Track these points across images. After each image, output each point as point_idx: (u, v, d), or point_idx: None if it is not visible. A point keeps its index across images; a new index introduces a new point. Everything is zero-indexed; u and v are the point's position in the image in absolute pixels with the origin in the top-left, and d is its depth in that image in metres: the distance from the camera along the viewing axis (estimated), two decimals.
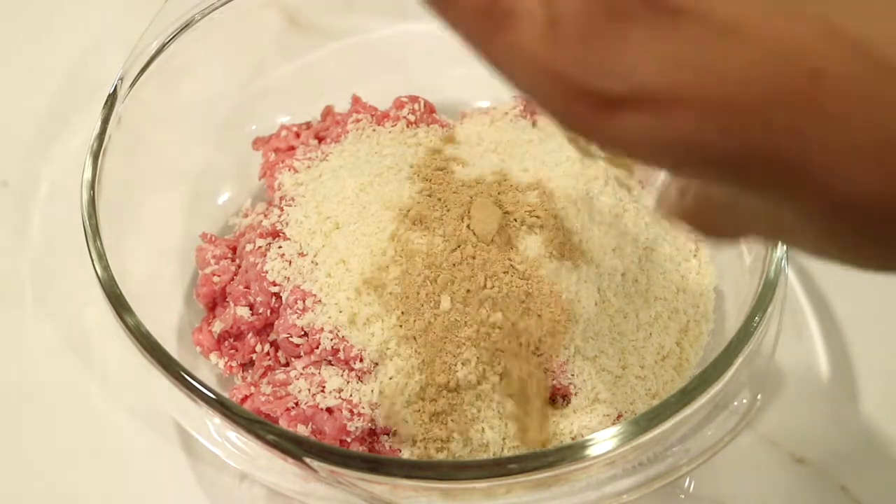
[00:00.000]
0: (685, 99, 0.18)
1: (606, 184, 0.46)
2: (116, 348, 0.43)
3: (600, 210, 0.45)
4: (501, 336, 0.40)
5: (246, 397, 0.41)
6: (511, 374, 0.40)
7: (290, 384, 0.41)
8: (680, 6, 0.18)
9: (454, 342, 0.40)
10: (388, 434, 0.40)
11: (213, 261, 0.46)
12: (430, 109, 0.51)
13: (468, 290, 0.40)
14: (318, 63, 0.57)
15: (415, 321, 0.40)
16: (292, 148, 0.50)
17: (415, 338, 0.40)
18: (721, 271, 0.48)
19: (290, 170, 0.47)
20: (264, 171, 0.50)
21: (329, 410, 0.40)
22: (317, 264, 0.43)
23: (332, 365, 0.41)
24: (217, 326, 0.44)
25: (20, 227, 0.53)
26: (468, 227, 0.42)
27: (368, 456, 0.38)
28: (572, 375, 0.41)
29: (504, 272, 0.41)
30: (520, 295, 0.41)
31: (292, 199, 0.46)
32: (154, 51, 0.47)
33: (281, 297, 0.43)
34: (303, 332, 0.41)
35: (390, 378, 0.40)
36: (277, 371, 0.42)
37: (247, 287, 0.44)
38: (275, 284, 0.43)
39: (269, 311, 0.43)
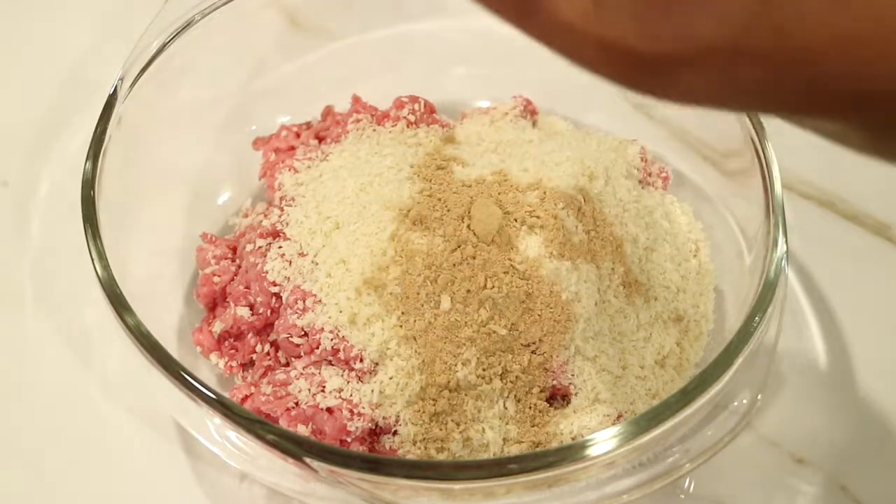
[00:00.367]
0: (748, 52, 0.19)
1: (606, 184, 0.46)
2: (116, 348, 0.43)
3: (600, 210, 0.45)
4: (501, 336, 0.40)
5: (246, 397, 0.41)
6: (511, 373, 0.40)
7: (291, 384, 0.41)
8: None
9: (454, 342, 0.40)
10: (388, 434, 0.40)
11: (213, 261, 0.46)
12: (430, 109, 0.51)
13: (468, 291, 0.40)
14: (318, 63, 0.57)
15: (415, 321, 0.40)
16: (292, 148, 0.50)
17: (415, 338, 0.40)
18: (721, 271, 0.48)
19: (290, 170, 0.47)
20: (264, 171, 0.50)
21: (329, 410, 0.40)
22: (317, 264, 0.43)
23: (333, 365, 0.41)
24: (217, 326, 0.44)
25: (20, 227, 0.53)
26: (468, 227, 0.42)
27: (368, 456, 0.38)
28: (572, 375, 0.41)
29: (504, 272, 0.41)
30: (520, 295, 0.41)
31: (292, 199, 0.46)
32: (154, 51, 0.47)
33: (281, 297, 0.43)
34: (303, 332, 0.41)
35: (390, 378, 0.40)
36: (277, 371, 0.42)
37: (247, 287, 0.44)
38: (275, 284, 0.43)
39: (269, 311, 0.43)
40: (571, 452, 0.34)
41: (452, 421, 0.39)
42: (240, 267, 0.46)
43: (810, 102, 0.20)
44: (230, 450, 0.37)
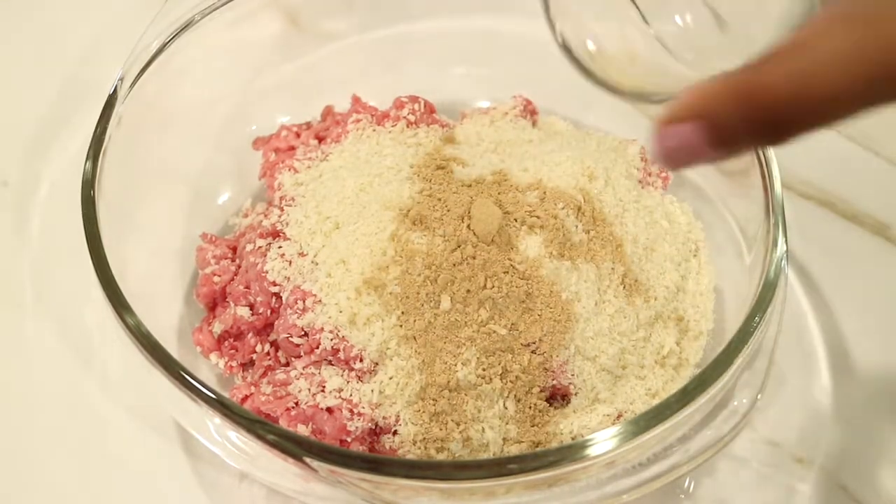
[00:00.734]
0: None
1: (606, 184, 0.46)
2: (116, 348, 0.43)
3: (600, 210, 0.45)
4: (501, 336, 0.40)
5: (246, 397, 0.41)
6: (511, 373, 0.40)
7: (291, 384, 0.41)
8: None
9: (454, 342, 0.40)
10: (388, 434, 0.40)
11: (213, 261, 0.46)
12: (430, 109, 0.51)
13: (468, 290, 0.40)
14: (318, 63, 0.57)
15: (415, 321, 0.40)
16: (292, 148, 0.50)
17: (415, 338, 0.40)
18: (721, 271, 0.48)
19: (290, 170, 0.47)
20: (264, 171, 0.50)
21: (329, 410, 0.40)
22: (317, 264, 0.43)
23: (333, 365, 0.41)
24: (217, 326, 0.44)
25: (20, 227, 0.53)
26: (468, 227, 0.42)
27: (368, 456, 0.38)
28: (572, 375, 0.41)
29: (504, 272, 0.41)
30: (520, 295, 0.41)
31: (292, 199, 0.46)
32: (154, 51, 0.47)
33: (281, 297, 0.43)
34: (303, 332, 0.41)
35: (390, 378, 0.40)
36: (277, 371, 0.42)
37: (247, 287, 0.44)
38: (275, 284, 0.43)
39: (269, 311, 0.43)
40: (571, 452, 0.34)
41: (452, 421, 0.39)
42: (240, 267, 0.46)
43: None
44: (230, 450, 0.37)
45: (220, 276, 0.45)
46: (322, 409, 0.39)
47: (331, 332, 0.40)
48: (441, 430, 0.39)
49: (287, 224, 0.45)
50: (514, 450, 0.40)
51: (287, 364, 0.43)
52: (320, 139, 0.51)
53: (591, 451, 0.34)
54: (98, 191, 0.41)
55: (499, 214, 0.42)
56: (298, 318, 0.41)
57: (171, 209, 0.50)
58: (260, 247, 0.45)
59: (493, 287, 0.41)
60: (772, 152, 0.43)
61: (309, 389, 0.40)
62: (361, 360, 0.40)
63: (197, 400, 0.35)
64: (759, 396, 0.39)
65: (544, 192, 0.44)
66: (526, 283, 0.41)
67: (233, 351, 0.44)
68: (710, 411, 0.38)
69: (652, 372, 0.43)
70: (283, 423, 0.39)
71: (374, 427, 0.40)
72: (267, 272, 0.43)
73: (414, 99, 0.51)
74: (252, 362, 0.44)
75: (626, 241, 0.45)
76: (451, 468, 0.36)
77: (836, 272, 0.52)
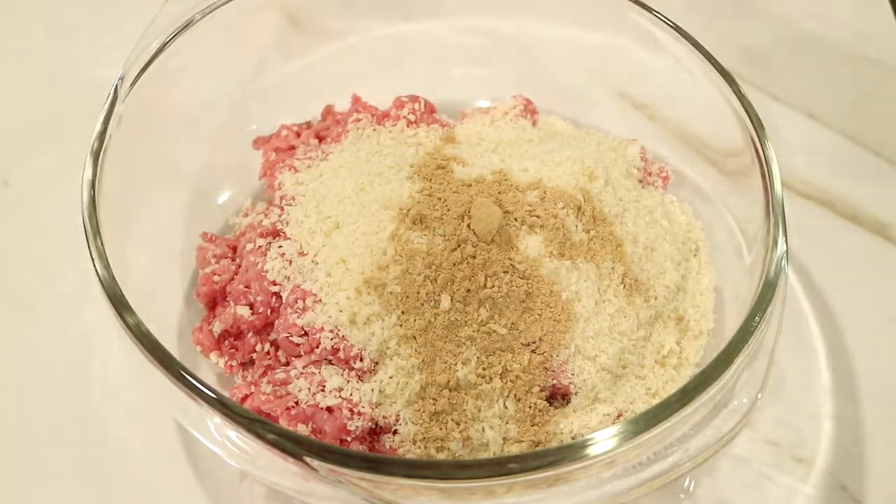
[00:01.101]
0: None
1: (606, 183, 0.46)
2: (116, 348, 0.43)
3: (600, 210, 0.45)
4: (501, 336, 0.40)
5: (246, 396, 0.41)
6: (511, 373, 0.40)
7: (290, 383, 0.41)
8: None
9: (454, 342, 0.40)
10: (388, 433, 0.40)
11: (213, 260, 0.46)
12: (430, 109, 0.52)
13: (468, 290, 0.40)
14: (318, 63, 0.57)
15: (415, 321, 0.40)
16: (292, 147, 0.51)
17: (415, 337, 0.40)
18: (721, 271, 0.48)
19: (290, 169, 0.47)
20: (264, 171, 0.50)
21: (329, 410, 0.39)
22: (317, 264, 0.43)
23: (332, 364, 0.41)
24: (217, 326, 0.44)
25: (20, 228, 0.53)
26: (468, 226, 0.42)
27: (368, 455, 0.38)
28: (572, 375, 0.41)
29: (504, 272, 0.41)
30: (520, 294, 0.41)
31: (292, 199, 0.46)
32: (154, 51, 0.47)
33: (281, 297, 0.43)
34: (303, 332, 0.41)
35: (390, 377, 0.40)
36: (277, 370, 0.42)
37: (247, 286, 0.44)
38: (275, 284, 0.43)
39: (269, 311, 0.43)
40: (571, 452, 0.34)
41: (452, 420, 0.39)
42: (240, 266, 0.46)
43: None
44: (230, 449, 0.37)
45: (220, 275, 0.45)
46: (322, 408, 0.39)
47: (331, 331, 0.40)
48: (441, 429, 0.39)
49: (287, 223, 0.45)
50: (514, 449, 0.40)
51: (287, 363, 0.43)
52: (320, 139, 0.51)
53: (591, 451, 0.34)
54: (98, 191, 0.41)
55: (499, 214, 0.42)
56: (298, 317, 0.41)
57: (171, 209, 0.50)
58: (260, 246, 0.45)
59: (493, 287, 0.41)
60: (772, 152, 0.43)
61: (309, 389, 0.40)
62: (361, 360, 0.40)
63: (197, 399, 0.35)
64: (759, 396, 0.39)
65: (544, 192, 0.44)
66: (526, 283, 0.41)
67: (233, 350, 0.44)
68: (711, 411, 0.38)
69: (652, 371, 0.43)
70: (282, 423, 0.39)
71: (374, 426, 0.40)
72: (267, 271, 0.43)
73: (414, 99, 0.51)
74: (252, 362, 0.44)
75: (626, 240, 0.45)
76: (451, 468, 0.35)
77: (836, 272, 0.52)
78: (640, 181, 0.50)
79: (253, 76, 0.55)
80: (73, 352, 0.48)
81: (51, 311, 0.50)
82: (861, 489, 0.44)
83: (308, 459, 0.34)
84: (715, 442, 0.38)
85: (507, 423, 0.40)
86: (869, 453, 0.46)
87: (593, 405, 0.42)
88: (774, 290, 0.39)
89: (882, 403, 0.47)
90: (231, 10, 0.51)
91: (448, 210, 0.43)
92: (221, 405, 0.35)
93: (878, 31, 0.67)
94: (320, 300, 0.41)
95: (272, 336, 0.44)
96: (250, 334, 0.44)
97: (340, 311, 0.40)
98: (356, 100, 0.52)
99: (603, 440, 0.34)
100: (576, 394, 0.41)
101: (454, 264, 0.41)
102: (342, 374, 0.41)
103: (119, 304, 0.38)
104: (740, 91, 0.46)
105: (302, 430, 0.39)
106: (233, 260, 0.46)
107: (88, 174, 0.42)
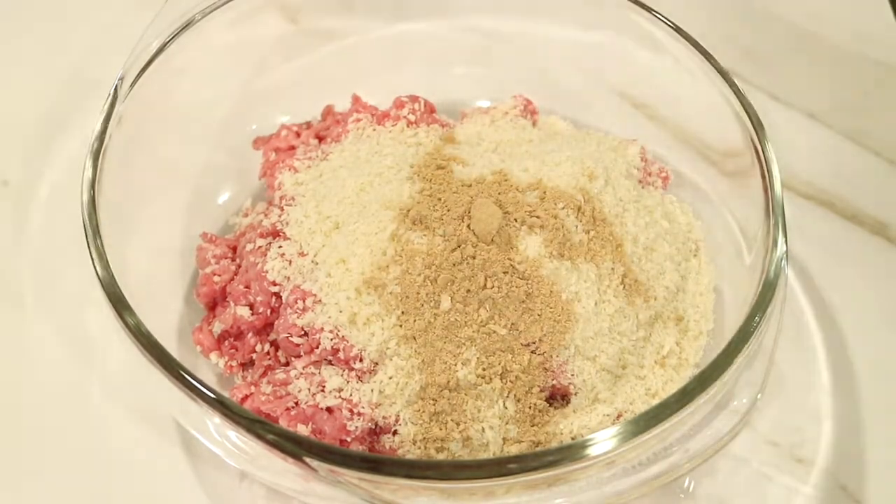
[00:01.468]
0: None
1: (606, 183, 0.46)
2: (116, 348, 0.43)
3: (600, 210, 0.45)
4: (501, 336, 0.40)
5: (246, 397, 0.41)
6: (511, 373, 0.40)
7: (290, 384, 0.41)
8: None
9: (454, 342, 0.40)
10: (388, 434, 0.40)
11: (213, 260, 0.46)
12: (430, 109, 0.51)
13: (468, 290, 0.40)
14: (318, 63, 0.57)
15: (415, 321, 0.40)
16: (292, 147, 0.51)
17: (415, 338, 0.40)
18: (721, 271, 0.48)
19: (290, 169, 0.47)
20: (264, 171, 0.50)
21: (329, 410, 0.40)
22: (317, 264, 0.43)
23: (332, 365, 0.41)
24: (217, 326, 0.44)
25: (20, 227, 0.53)
26: (468, 227, 0.42)
27: (368, 456, 0.38)
28: (572, 375, 0.41)
29: (504, 272, 0.41)
30: (520, 295, 0.41)
31: (292, 199, 0.46)
32: (154, 51, 0.47)
33: (281, 297, 0.43)
34: (303, 332, 0.41)
35: (390, 378, 0.40)
36: (277, 371, 0.42)
37: (247, 287, 0.44)
38: (275, 284, 0.43)
39: (269, 311, 0.43)
40: (571, 452, 0.34)
41: (452, 420, 0.39)
42: (240, 266, 0.46)
43: None
44: (230, 449, 0.37)
45: (220, 275, 0.45)
46: (322, 408, 0.40)
47: (331, 331, 0.40)
48: (441, 429, 0.39)
49: (287, 224, 0.45)
50: (514, 450, 0.40)
51: (287, 364, 0.43)
52: (320, 139, 0.51)
53: (591, 451, 0.34)
54: (98, 190, 0.41)
55: (499, 214, 0.42)
56: (298, 317, 0.41)
57: (171, 209, 0.50)
58: (260, 246, 0.45)
59: (493, 287, 0.41)
60: (772, 152, 0.43)
61: (309, 389, 0.40)
62: (361, 360, 0.40)
63: (197, 400, 0.35)
64: (759, 396, 0.39)
65: (544, 192, 0.44)
66: (526, 283, 0.41)
67: (233, 350, 0.44)
68: (710, 411, 0.38)
69: (652, 372, 0.43)
70: (282, 423, 0.39)
71: (373, 427, 0.40)
72: (267, 272, 0.43)
73: (414, 99, 0.51)
74: (252, 362, 0.44)
75: (626, 240, 0.45)
76: (451, 468, 0.36)
77: (836, 272, 0.52)
78: (640, 181, 0.50)
79: (253, 76, 0.55)
80: (73, 352, 0.48)
81: (51, 311, 0.49)
82: (861, 489, 0.44)
83: (308, 460, 0.34)
84: (715, 442, 0.38)
85: (506, 423, 0.40)
86: (869, 453, 0.46)
87: (593, 405, 0.42)
88: (774, 290, 0.39)
89: (882, 403, 0.47)
90: (231, 10, 0.51)
91: (448, 210, 0.43)
92: (221, 405, 0.35)
93: (878, 31, 0.67)
94: (320, 300, 0.41)
95: (272, 336, 0.44)
96: (250, 334, 0.44)
97: (340, 312, 0.40)
98: (356, 100, 0.52)
99: (603, 440, 0.34)
100: (575, 394, 0.41)
101: (454, 265, 0.41)
102: (342, 375, 0.41)
103: (119, 304, 0.38)
104: (740, 91, 0.46)
105: (302, 430, 0.39)
106: (233, 260, 0.46)
107: (88, 174, 0.42)
